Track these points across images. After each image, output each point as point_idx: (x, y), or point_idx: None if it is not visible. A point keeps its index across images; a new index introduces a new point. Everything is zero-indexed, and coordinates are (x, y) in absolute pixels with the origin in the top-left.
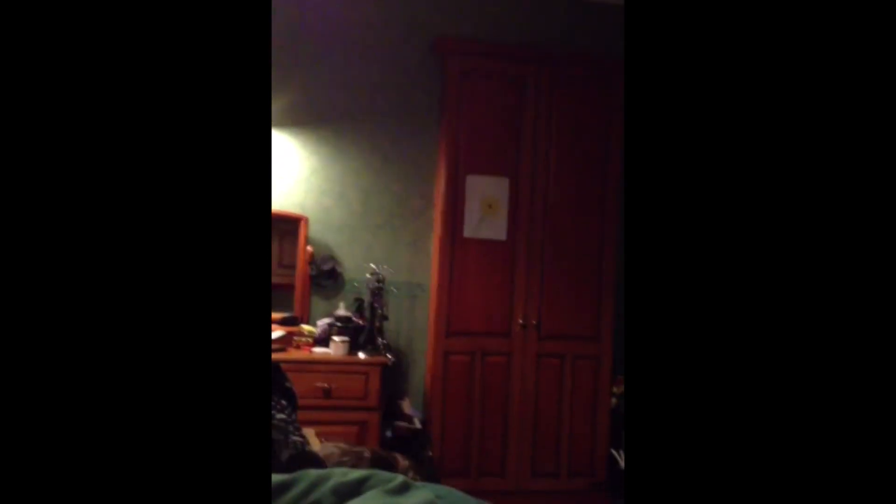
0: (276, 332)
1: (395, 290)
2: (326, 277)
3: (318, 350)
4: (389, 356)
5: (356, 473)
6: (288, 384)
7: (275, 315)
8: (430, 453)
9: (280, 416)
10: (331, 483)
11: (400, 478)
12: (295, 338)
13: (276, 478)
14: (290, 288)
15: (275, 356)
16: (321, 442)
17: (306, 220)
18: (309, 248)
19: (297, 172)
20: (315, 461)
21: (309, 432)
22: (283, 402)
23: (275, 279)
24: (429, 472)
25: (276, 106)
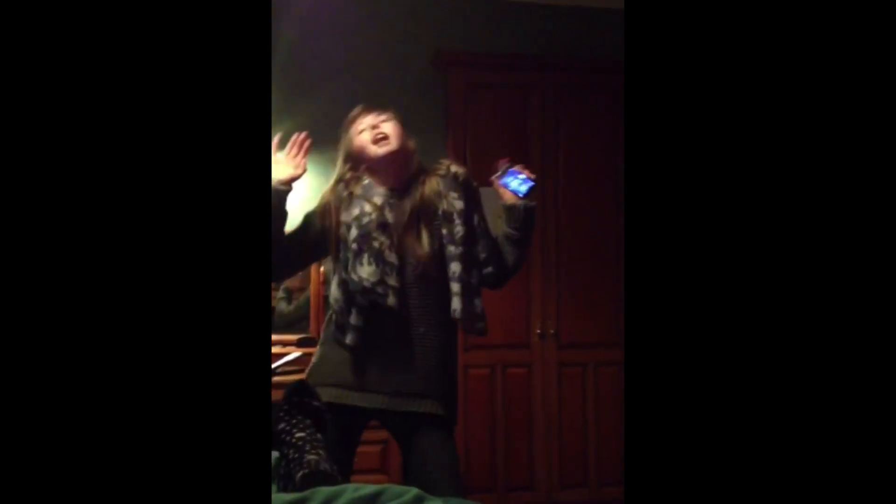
0: (293, 354)
1: None
2: None
3: None
4: None
5: (369, 488)
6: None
7: (291, 337)
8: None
9: (299, 434)
10: (344, 499)
11: (414, 491)
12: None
13: (288, 497)
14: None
15: (292, 378)
16: None
17: None
18: (322, 268)
19: (302, 193)
20: (329, 480)
21: None
22: (308, 420)
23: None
24: (456, 490)
25: (282, 129)
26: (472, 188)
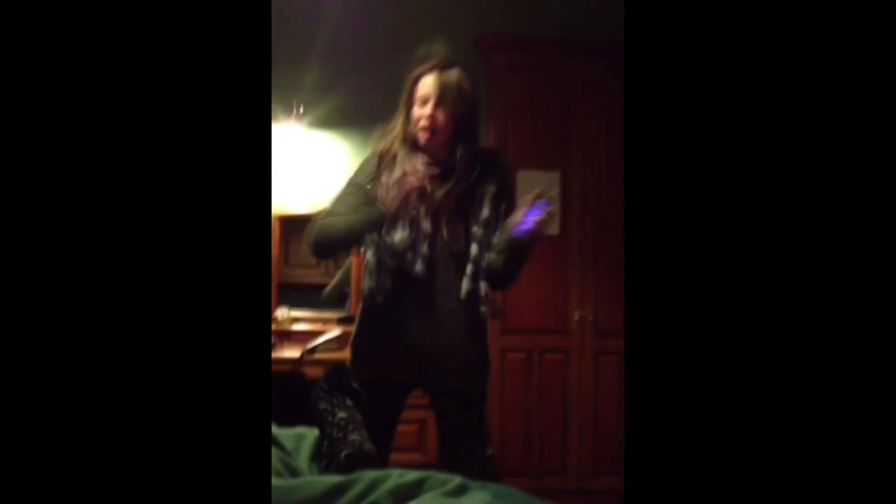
0: (334, 332)
1: None
2: None
3: None
4: None
5: (413, 475)
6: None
7: (332, 315)
8: (490, 452)
9: (341, 414)
10: (388, 485)
11: (457, 479)
12: None
13: (333, 479)
14: None
15: (332, 355)
16: None
17: None
18: (362, 249)
19: (346, 173)
20: (372, 460)
21: None
22: (349, 401)
23: (330, 279)
24: (489, 472)
25: (326, 108)
26: (508, 174)
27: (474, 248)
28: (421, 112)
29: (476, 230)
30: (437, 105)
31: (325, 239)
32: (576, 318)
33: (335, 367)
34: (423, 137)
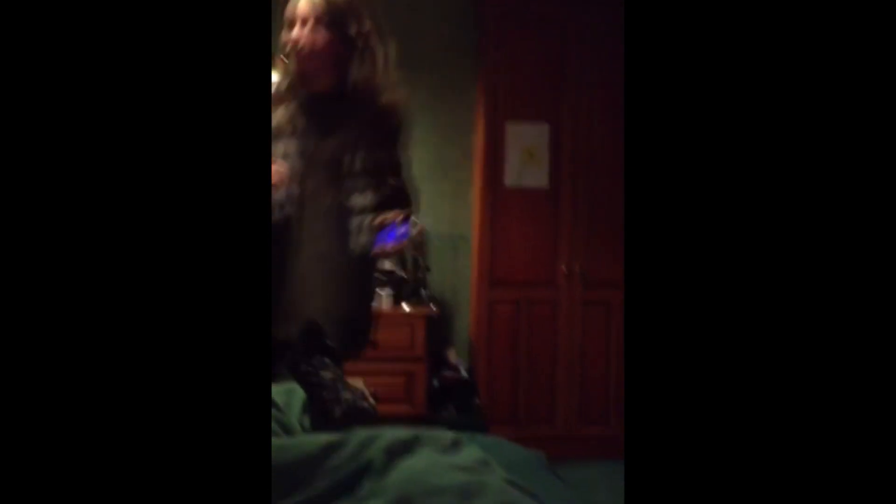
0: None
1: (437, 241)
2: None
3: None
4: (433, 307)
5: (406, 432)
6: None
7: None
8: (478, 402)
9: (327, 374)
10: (382, 442)
11: (450, 435)
12: None
13: (327, 437)
14: None
15: None
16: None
17: None
18: None
19: None
20: (368, 416)
21: (357, 382)
22: (326, 360)
23: None
24: (478, 421)
25: None
26: (394, 116)
27: (358, 199)
28: (288, 36)
29: (349, 183)
30: (309, 23)
31: None
32: (563, 270)
33: (306, 327)
34: (295, 64)
